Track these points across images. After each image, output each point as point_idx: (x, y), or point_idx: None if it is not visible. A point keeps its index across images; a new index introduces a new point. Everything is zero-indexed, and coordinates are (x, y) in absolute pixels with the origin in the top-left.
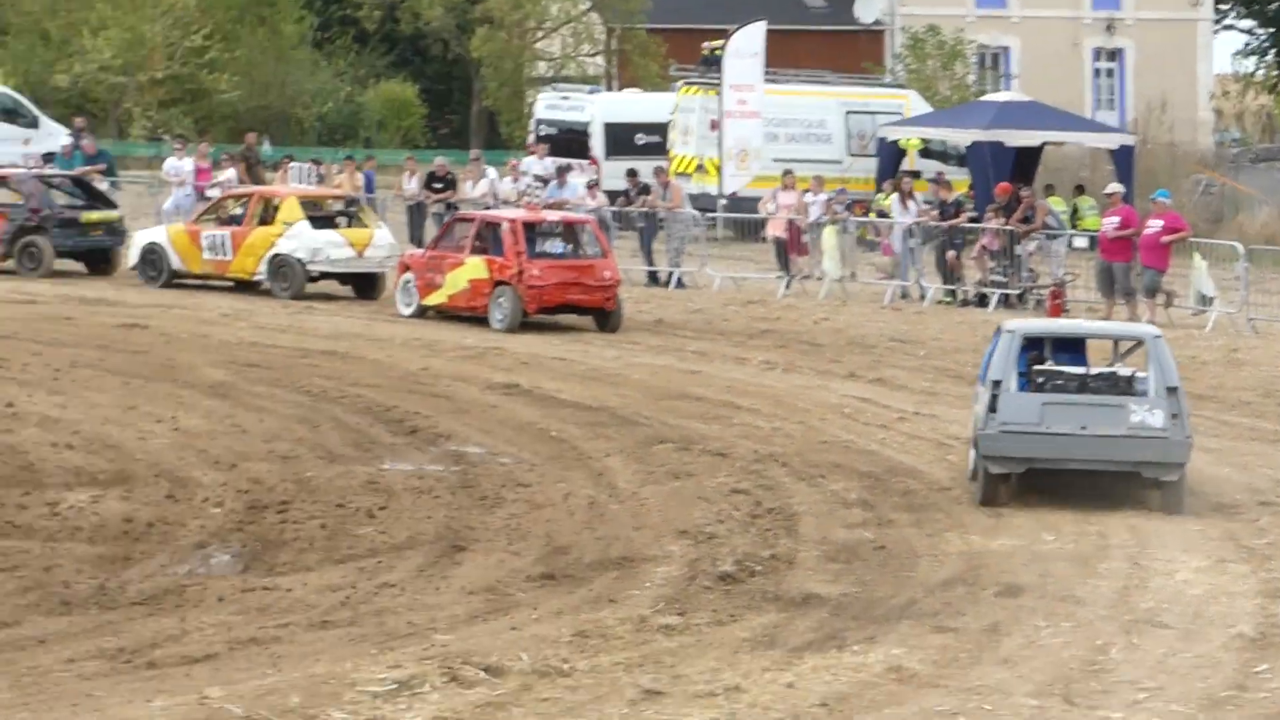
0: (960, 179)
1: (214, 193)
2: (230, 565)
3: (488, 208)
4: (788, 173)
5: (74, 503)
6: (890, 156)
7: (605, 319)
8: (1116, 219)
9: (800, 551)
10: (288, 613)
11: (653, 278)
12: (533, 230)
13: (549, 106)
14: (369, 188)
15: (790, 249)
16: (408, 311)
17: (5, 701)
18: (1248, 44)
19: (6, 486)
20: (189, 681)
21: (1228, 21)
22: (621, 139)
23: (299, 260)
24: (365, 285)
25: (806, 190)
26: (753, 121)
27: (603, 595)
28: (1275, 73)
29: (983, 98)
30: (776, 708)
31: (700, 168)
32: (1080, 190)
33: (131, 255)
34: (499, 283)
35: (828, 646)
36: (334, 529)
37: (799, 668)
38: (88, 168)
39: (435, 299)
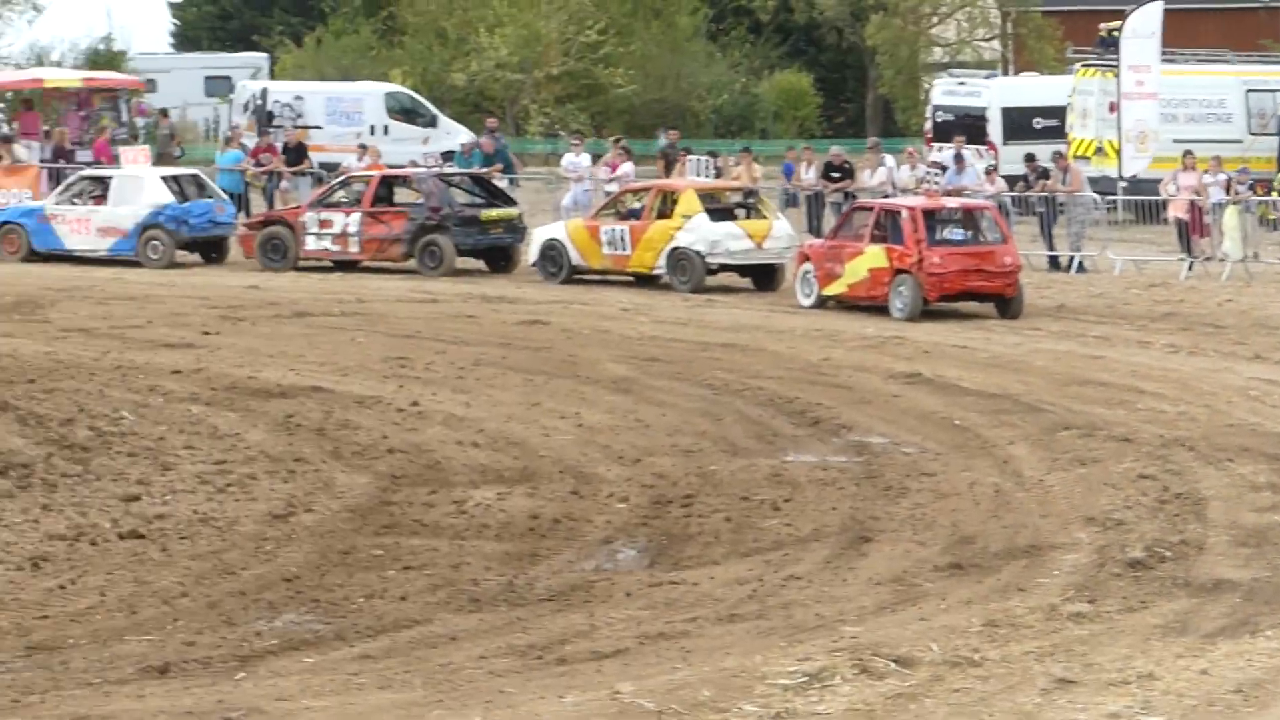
0: None
1: (611, 187)
2: (637, 560)
3: (886, 196)
4: (1188, 153)
5: (480, 500)
6: None
7: (1006, 305)
8: None
9: (1209, 536)
10: (695, 607)
11: (1053, 262)
12: (932, 218)
13: (945, 92)
14: (789, 178)
15: (1192, 230)
16: (807, 302)
17: (419, 699)
18: None
19: (414, 485)
20: (599, 677)
21: None
22: (1019, 123)
23: (698, 253)
24: (764, 277)
25: (1206, 171)
26: (1150, 102)
27: (1011, 584)
28: None
29: None
30: (1190, 695)
31: (1099, 150)
32: None
33: (531, 252)
34: (899, 271)
35: (1241, 632)
36: (739, 522)
37: (1212, 654)
38: (487, 167)
39: (835, 289)
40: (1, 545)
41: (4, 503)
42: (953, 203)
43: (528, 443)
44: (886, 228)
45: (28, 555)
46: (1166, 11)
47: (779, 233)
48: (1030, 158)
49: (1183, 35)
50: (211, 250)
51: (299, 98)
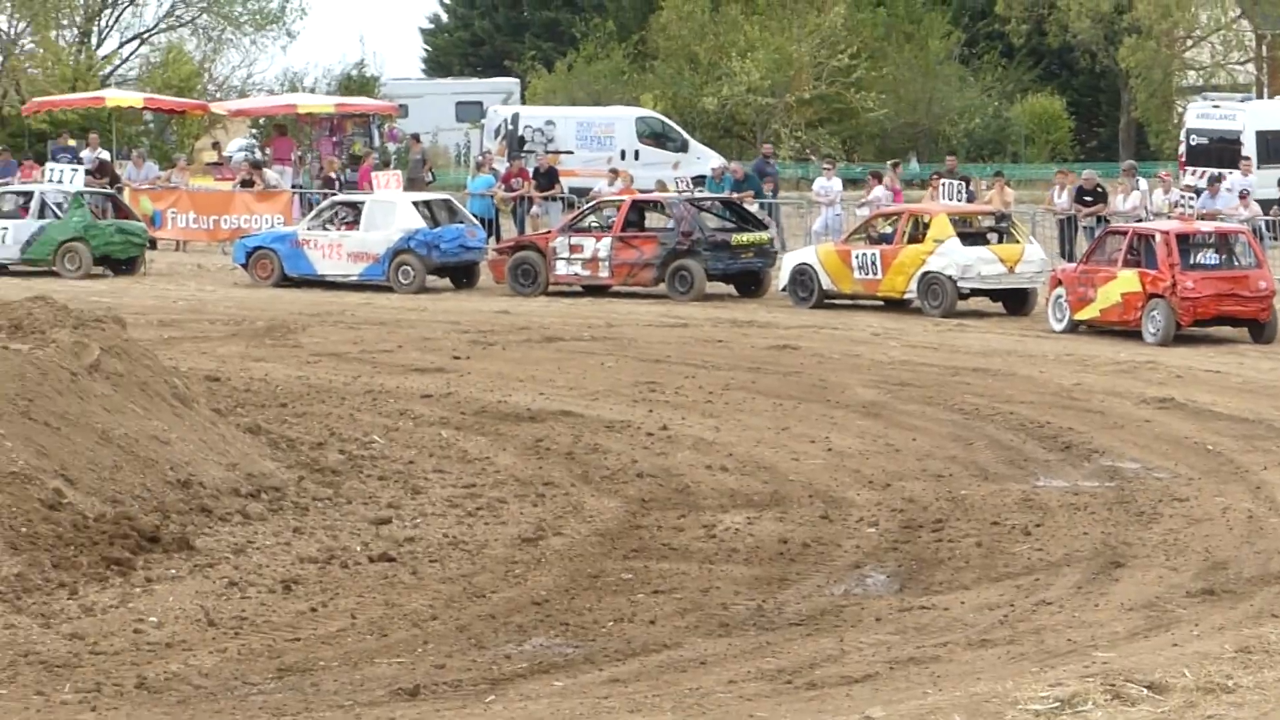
0: None
1: (862, 211)
2: (886, 585)
3: (1139, 220)
4: None
5: (730, 524)
6: None
7: (1260, 330)
8: None
9: None
10: (946, 631)
11: None
12: (1186, 242)
13: (1200, 116)
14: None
15: None
16: (1059, 326)
17: None
18: None
19: (663, 509)
20: (850, 702)
21: None
22: (1275, 147)
23: (950, 277)
24: (1016, 301)
25: None
26: None
27: (1265, 610)
28: None
29: None
30: None
31: None
32: None
33: (782, 276)
34: (1152, 295)
35: None
36: (989, 547)
37: None
38: (739, 191)
39: (1087, 313)
40: (254, 568)
41: (256, 526)
42: (1207, 227)
43: (777, 467)
44: (1140, 252)
45: (280, 578)
46: None
47: (1031, 257)
48: None
49: None
50: (462, 275)
51: (550, 123)
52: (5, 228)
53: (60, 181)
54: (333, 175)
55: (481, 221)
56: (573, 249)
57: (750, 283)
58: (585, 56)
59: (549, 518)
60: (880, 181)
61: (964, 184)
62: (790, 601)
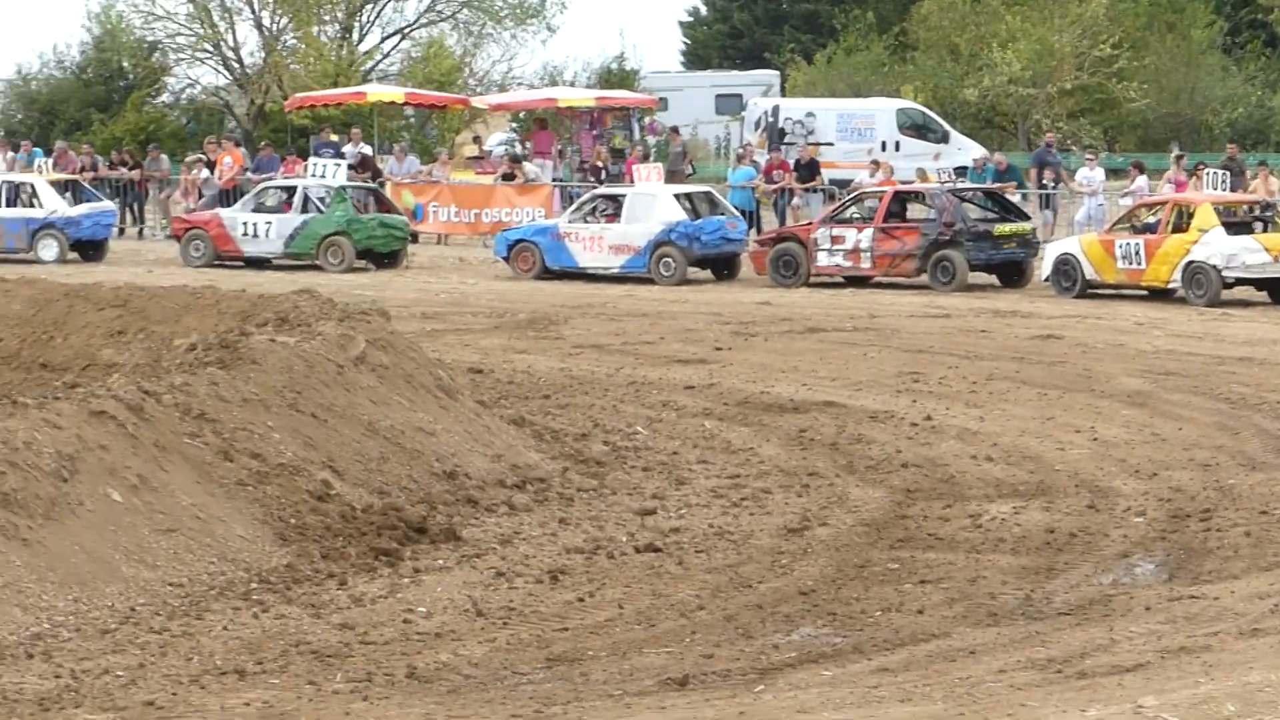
0: None
1: (1125, 201)
2: (1155, 574)
3: None
4: None
5: (996, 514)
6: None
7: None
8: None
9: None
10: (1216, 621)
11: None
12: None
13: None
14: None
15: None
16: None
17: (940, 712)
18: None
19: (929, 499)
20: (1121, 691)
21: None
22: None
23: (1214, 267)
24: None
25: None
26: None
27: None
28: None
29: None
30: None
31: None
32: None
33: (1044, 267)
34: None
35: None
36: (1259, 537)
37: None
38: (1000, 182)
39: None
40: (521, 558)
41: (523, 516)
42: None
43: (1042, 457)
44: None
45: (546, 568)
46: None
47: None
48: None
49: None
50: (723, 267)
51: (810, 114)
52: (269, 222)
53: (323, 176)
54: (600, 164)
55: (742, 213)
56: (834, 240)
57: (1013, 273)
58: (845, 48)
59: (814, 508)
60: (1143, 170)
61: (1228, 173)
62: (1058, 591)
